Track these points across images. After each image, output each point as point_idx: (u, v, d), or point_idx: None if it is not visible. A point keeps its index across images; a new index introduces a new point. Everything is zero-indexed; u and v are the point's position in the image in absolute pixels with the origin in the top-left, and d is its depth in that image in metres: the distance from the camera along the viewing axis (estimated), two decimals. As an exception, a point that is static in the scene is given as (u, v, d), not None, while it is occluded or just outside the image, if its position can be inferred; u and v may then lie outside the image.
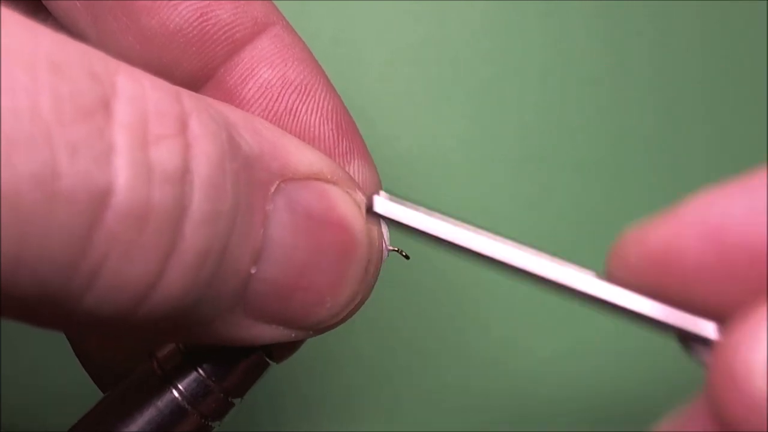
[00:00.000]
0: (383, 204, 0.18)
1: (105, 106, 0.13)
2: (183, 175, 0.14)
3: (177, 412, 0.18)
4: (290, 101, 0.20)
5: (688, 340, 0.17)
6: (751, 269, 0.16)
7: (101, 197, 0.13)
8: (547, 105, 0.32)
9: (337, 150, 0.20)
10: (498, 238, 0.18)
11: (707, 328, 0.17)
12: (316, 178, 0.17)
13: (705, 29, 0.33)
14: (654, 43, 0.33)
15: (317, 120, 0.20)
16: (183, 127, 0.14)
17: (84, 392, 0.22)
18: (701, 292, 0.17)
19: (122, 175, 0.13)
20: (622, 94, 0.33)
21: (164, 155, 0.14)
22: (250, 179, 0.15)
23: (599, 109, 0.32)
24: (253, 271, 0.16)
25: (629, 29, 0.33)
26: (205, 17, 0.19)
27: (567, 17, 0.33)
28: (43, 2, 0.20)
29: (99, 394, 0.21)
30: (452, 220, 0.18)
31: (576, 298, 0.18)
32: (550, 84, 0.32)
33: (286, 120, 0.20)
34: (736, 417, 0.14)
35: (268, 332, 0.17)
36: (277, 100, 0.20)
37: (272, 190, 0.16)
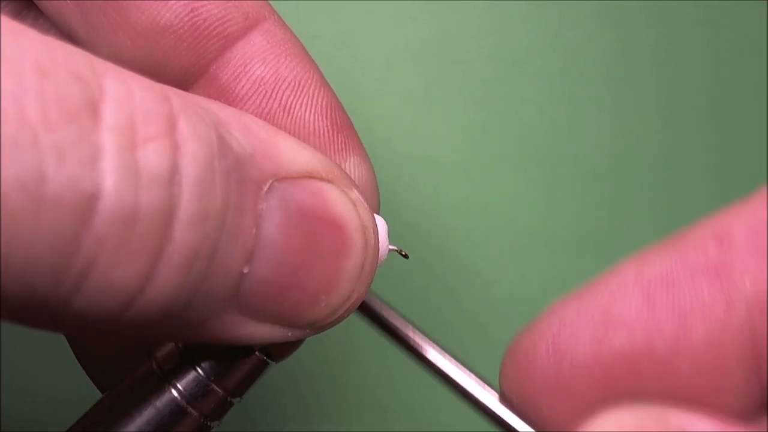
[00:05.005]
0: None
1: (92, 108, 0.13)
2: (171, 176, 0.14)
3: (176, 411, 0.18)
4: (284, 97, 0.20)
5: None
6: (584, 385, 0.16)
7: (88, 201, 0.13)
8: (547, 105, 0.32)
9: (332, 146, 0.20)
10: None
11: None
12: (311, 176, 0.17)
13: (707, 30, 0.33)
14: (656, 43, 0.33)
15: (312, 116, 0.20)
16: (171, 127, 0.14)
17: (83, 393, 0.22)
18: (555, 411, 0.17)
19: (109, 178, 0.13)
20: (623, 94, 0.32)
21: (152, 157, 0.14)
22: (241, 178, 0.15)
23: (600, 109, 0.32)
24: (245, 271, 0.16)
25: (631, 29, 0.33)
26: (195, 12, 0.19)
27: (568, 17, 0.33)
28: (34, 1, 0.20)
29: (98, 395, 0.21)
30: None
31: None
32: (550, 84, 0.32)
33: (280, 117, 0.20)
34: None
35: (263, 331, 0.17)
36: (270, 96, 0.20)
37: (265, 189, 0.16)
